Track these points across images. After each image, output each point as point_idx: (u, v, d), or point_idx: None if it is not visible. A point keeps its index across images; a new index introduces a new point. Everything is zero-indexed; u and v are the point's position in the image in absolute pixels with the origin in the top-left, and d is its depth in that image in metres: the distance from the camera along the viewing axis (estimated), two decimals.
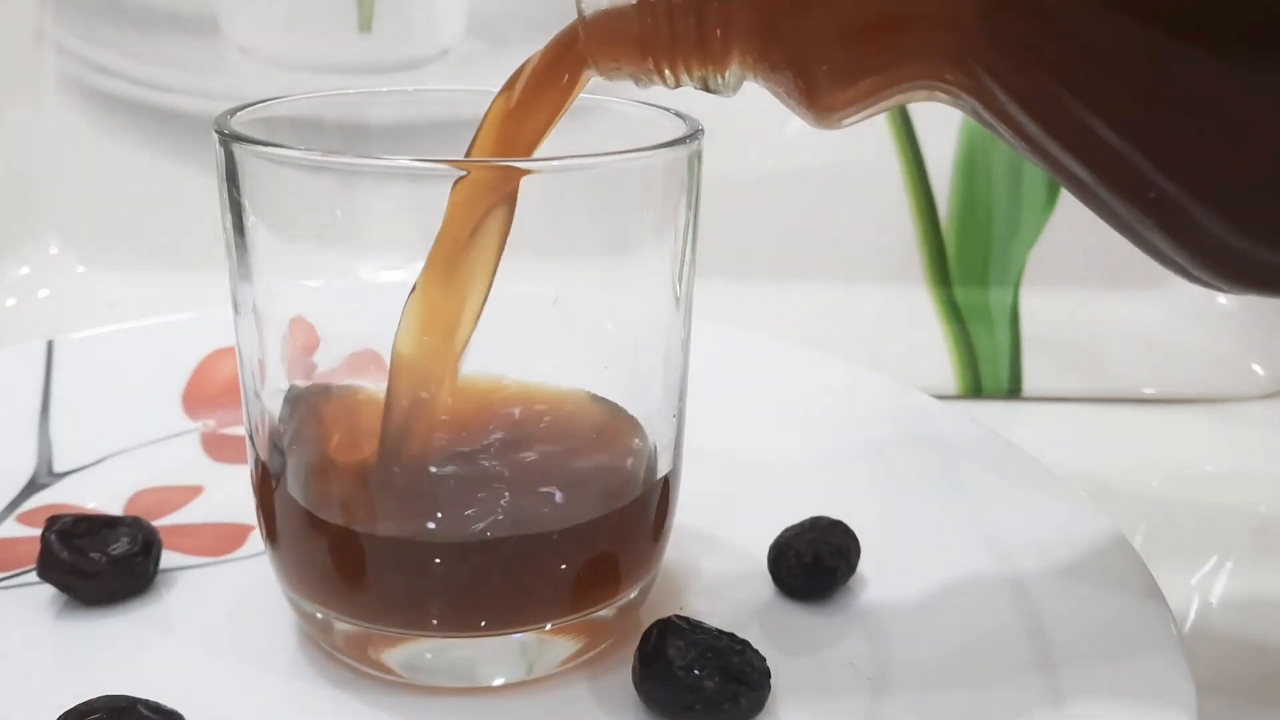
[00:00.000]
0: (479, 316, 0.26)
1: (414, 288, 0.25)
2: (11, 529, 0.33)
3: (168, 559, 0.31)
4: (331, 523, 0.25)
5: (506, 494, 0.26)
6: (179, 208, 0.52)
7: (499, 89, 0.26)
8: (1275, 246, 0.19)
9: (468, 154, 0.26)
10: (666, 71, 0.24)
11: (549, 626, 0.26)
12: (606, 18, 0.24)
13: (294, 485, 0.26)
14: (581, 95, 0.28)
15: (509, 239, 0.25)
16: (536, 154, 0.26)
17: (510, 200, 0.25)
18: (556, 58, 0.25)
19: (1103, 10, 0.18)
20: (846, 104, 0.22)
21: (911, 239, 0.53)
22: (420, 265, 0.28)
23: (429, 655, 0.26)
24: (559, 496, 0.26)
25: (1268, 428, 0.48)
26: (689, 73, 0.23)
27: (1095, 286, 0.53)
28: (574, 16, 0.25)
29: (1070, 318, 0.52)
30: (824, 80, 0.22)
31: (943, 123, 0.53)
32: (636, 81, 0.24)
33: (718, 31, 0.22)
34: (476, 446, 0.27)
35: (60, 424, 0.38)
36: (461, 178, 0.24)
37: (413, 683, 0.26)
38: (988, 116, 0.21)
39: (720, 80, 0.23)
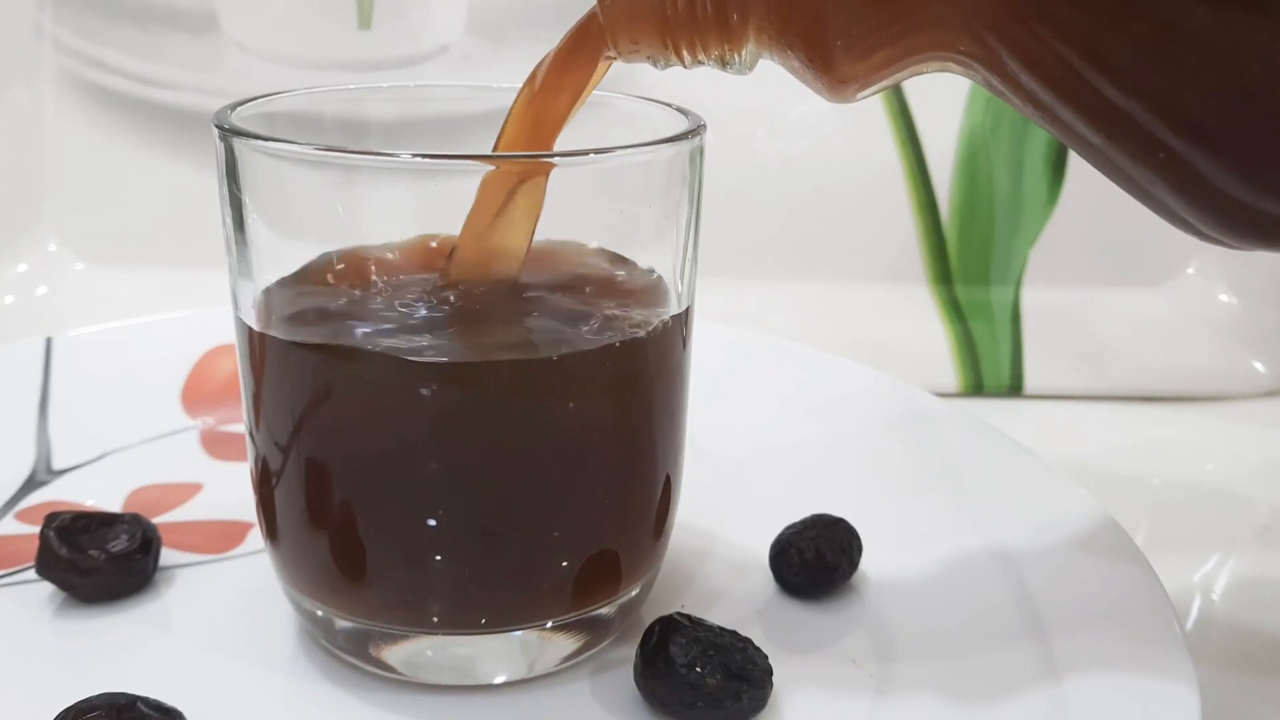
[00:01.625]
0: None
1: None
2: (10, 526, 0.33)
3: (167, 556, 0.31)
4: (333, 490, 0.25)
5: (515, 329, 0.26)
6: (178, 205, 0.52)
7: (523, 81, 0.26)
8: None
9: (496, 143, 0.26)
10: (684, 51, 0.24)
11: (550, 624, 0.26)
12: (625, 1, 0.24)
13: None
14: None
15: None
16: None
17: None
18: (576, 43, 0.25)
19: None
20: (861, 76, 0.22)
21: (913, 237, 0.53)
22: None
23: (430, 653, 0.26)
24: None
25: (1269, 425, 0.48)
26: (706, 51, 0.24)
27: (1097, 284, 0.53)
28: (579, 10, 0.25)
29: (1072, 315, 0.52)
30: (839, 54, 0.22)
31: (944, 121, 0.53)
32: (654, 63, 0.25)
33: (734, 14, 0.23)
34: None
35: (59, 421, 0.38)
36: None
37: (414, 680, 0.26)
38: (1000, 85, 0.21)
39: (737, 58, 0.24)
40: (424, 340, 0.24)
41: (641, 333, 0.25)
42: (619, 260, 0.28)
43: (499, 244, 0.26)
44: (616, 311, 0.26)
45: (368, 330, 0.25)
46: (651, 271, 0.27)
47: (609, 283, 0.27)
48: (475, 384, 0.24)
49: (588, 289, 0.27)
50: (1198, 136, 0.19)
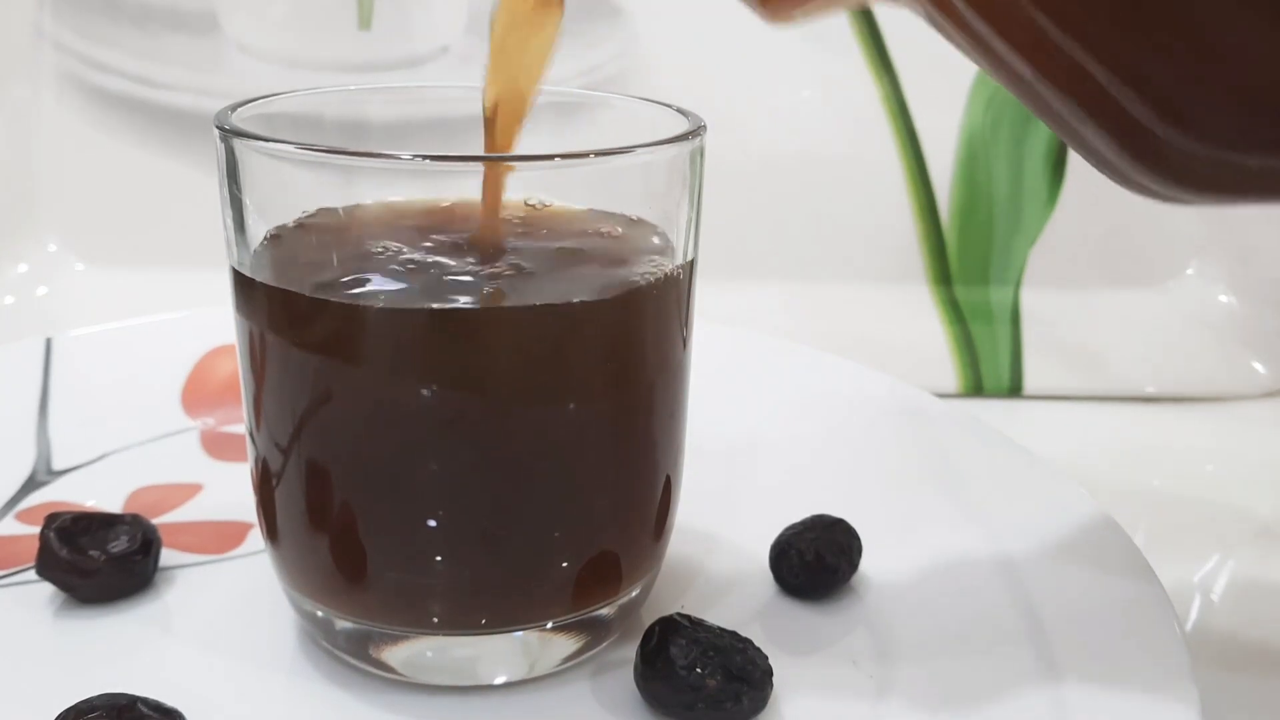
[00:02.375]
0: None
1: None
2: (10, 527, 0.33)
3: (167, 557, 0.31)
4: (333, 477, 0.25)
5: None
6: (178, 205, 0.52)
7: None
8: (1211, 142, 0.19)
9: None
10: None
11: (550, 625, 0.26)
12: None
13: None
14: (584, 92, 0.28)
15: None
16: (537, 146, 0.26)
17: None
18: None
19: None
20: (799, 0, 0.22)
21: (913, 238, 0.53)
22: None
23: (430, 654, 0.26)
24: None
25: (1269, 426, 0.48)
26: None
27: (1096, 285, 0.53)
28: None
29: (1071, 316, 0.52)
30: None
31: (944, 121, 0.53)
32: None
33: None
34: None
35: (59, 422, 0.38)
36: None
37: (414, 681, 0.26)
38: (939, 18, 0.21)
39: None
40: (421, 288, 0.24)
41: (645, 281, 0.25)
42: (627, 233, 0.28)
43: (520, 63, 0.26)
44: (617, 267, 0.26)
45: (364, 291, 0.24)
46: (656, 232, 0.27)
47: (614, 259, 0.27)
48: (474, 334, 0.24)
49: (591, 263, 0.27)
50: (1121, 67, 0.19)
